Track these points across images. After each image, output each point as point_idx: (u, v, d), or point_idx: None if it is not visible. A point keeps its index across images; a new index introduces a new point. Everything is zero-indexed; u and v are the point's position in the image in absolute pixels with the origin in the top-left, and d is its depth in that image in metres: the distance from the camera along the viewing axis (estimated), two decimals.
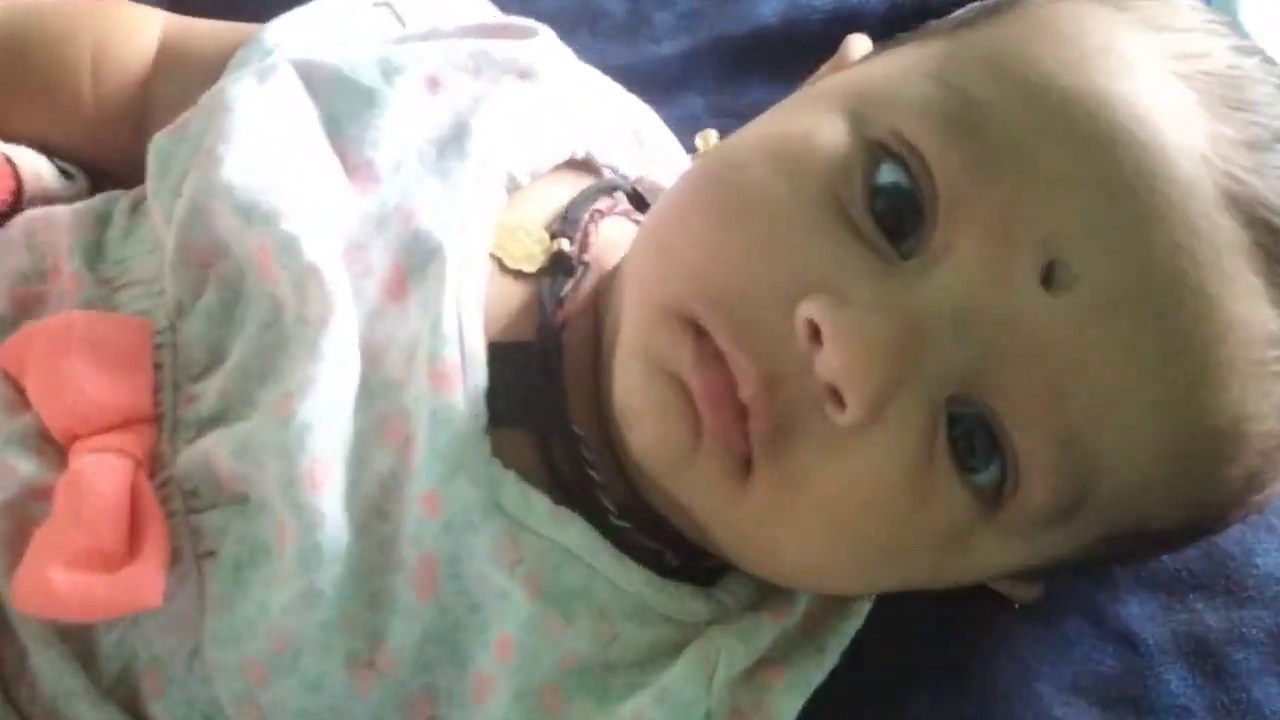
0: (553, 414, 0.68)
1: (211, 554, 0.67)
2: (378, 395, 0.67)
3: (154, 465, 0.68)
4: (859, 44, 0.74)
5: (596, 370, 0.70)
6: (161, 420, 0.69)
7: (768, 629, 0.69)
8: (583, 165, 0.78)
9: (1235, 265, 0.58)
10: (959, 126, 0.59)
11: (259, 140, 0.69)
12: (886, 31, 0.74)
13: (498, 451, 0.66)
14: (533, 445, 0.68)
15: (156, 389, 0.69)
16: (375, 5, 0.79)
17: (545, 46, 0.80)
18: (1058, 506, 0.61)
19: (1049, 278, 0.57)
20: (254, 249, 0.68)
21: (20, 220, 0.76)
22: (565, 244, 0.72)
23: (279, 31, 0.76)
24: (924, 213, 0.60)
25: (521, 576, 0.65)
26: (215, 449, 0.66)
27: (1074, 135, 0.58)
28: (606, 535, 0.67)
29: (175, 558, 0.66)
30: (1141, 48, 0.61)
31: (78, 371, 0.68)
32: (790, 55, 0.89)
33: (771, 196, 0.62)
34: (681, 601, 0.69)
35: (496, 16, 0.83)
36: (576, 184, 0.77)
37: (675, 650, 0.68)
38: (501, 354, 0.68)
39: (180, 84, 0.78)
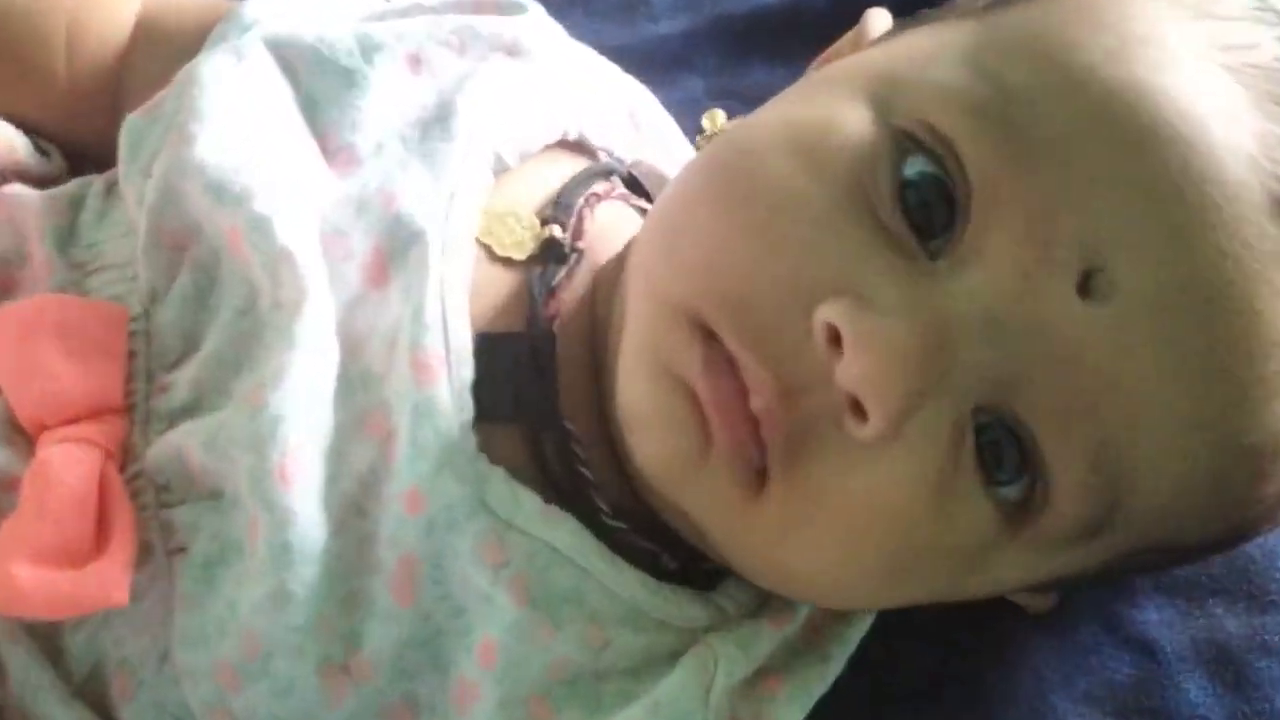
0: (543, 408, 0.67)
1: (182, 550, 0.66)
2: (357, 387, 0.66)
3: (125, 457, 0.67)
4: (879, 20, 0.72)
5: (595, 364, 0.69)
6: (133, 411, 0.68)
7: (769, 637, 0.68)
8: (576, 147, 0.77)
9: None
10: (993, 117, 0.57)
11: (233, 119, 0.69)
12: (903, 8, 0.72)
13: (485, 447, 0.65)
14: (522, 441, 0.67)
15: (129, 378, 0.69)
16: None
17: (534, 22, 0.79)
18: (1086, 523, 0.59)
19: (1086, 286, 0.55)
20: (225, 230, 0.67)
21: None
22: (557, 230, 0.71)
23: (258, 7, 0.74)
24: (955, 210, 0.58)
25: (507, 579, 0.64)
26: (186, 441, 0.66)
27: (1115, 132, 0.56)
28: (600, 536, 0.66)
29: (146, 554, 0.66)
30: (1186, 37, 0.59)
31: (47, 358, 0.67)
32: (794, 35, 0.91)
33: (790, 189, 0.60)
34: (678, 606, 0.68)
35: None
36: (570, 167, 0.75)
37: (671, 658, 0.67)
38: (489, 345, 0.67)
39: (158, 60, 0.78)
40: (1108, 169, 0.55)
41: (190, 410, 0.67)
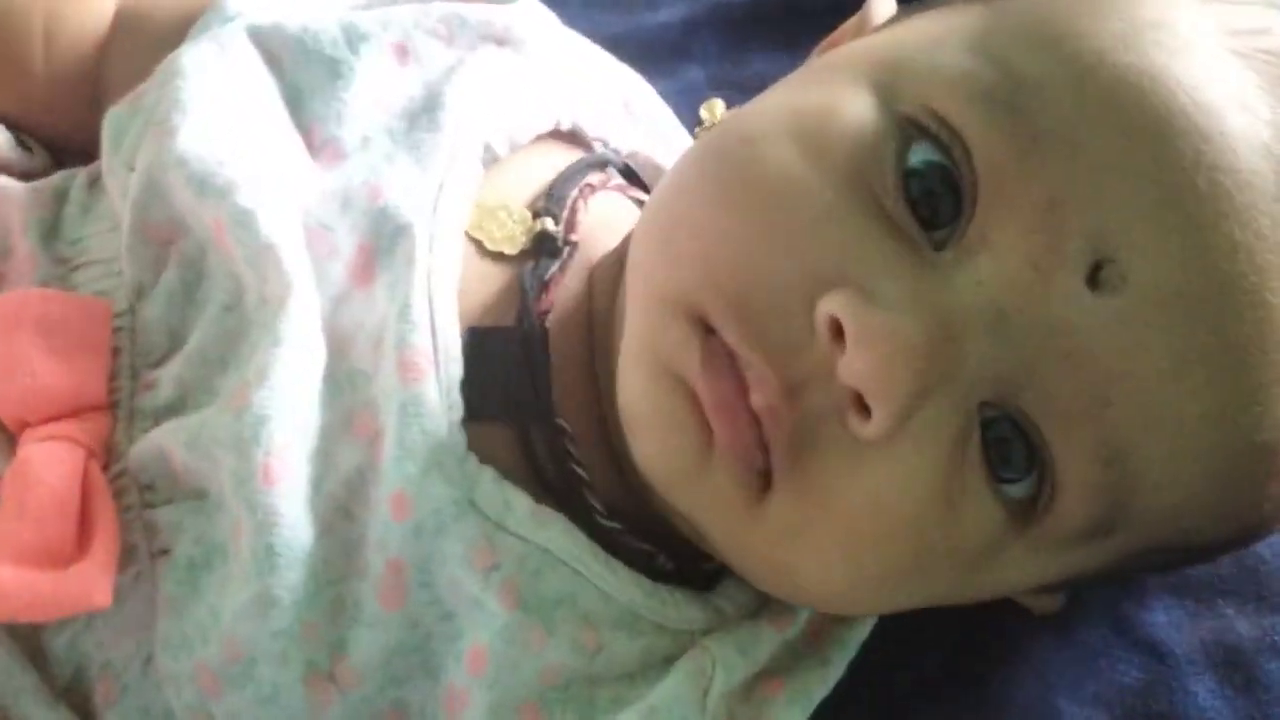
0: (535, 406, 0.66)
1: (166, 552, 0.66)
2: (344, 387, 0.65)
3: (108, 456, 0.67)
4: (883, 5, 0.71)
5: (592, 361, 0.69)
6: (117, 408, 0.68)
7: (768, 639, 0.68)
8: (570, 138, 0.76)
9: None
10: (1001, 104, 0.56)
11: (216, 111, 0.69)
12: None
13: (474, 447, 0.64)
14: (513, 440, 0.66)
15: (112, 375, 0.69)
16: None
17: (526, 10, 0.78)
18: (1095, 522, 0.59)
19: (1096, 278, 0.55)
20: (209, 223, 0.67)
21: None
22: (550, 223, 0.70)
23: None
24: (961, 199, 0.57)
25: (497, 583, 0.64)
26: (169, 440, 0.65)
27: (1126, 121, 0.55)
28: (594, 537, 0.66)
29: (129, 556, 0.66)
30: (1197, 22, 0.58)
31: (29, 353, 0.67)
32: (795, 23, 0.92)
33: (791, 178, 0.59)
34: (676, 609, 0.67)
35: None
36: (563, 158, 0.75)
37: (667, 662, 0.66)
38: (478, 340, 0.66)
39: (139, 50, 0.77)
40: (1118, 158, 0.55)
41: (175, 408, 0.67)
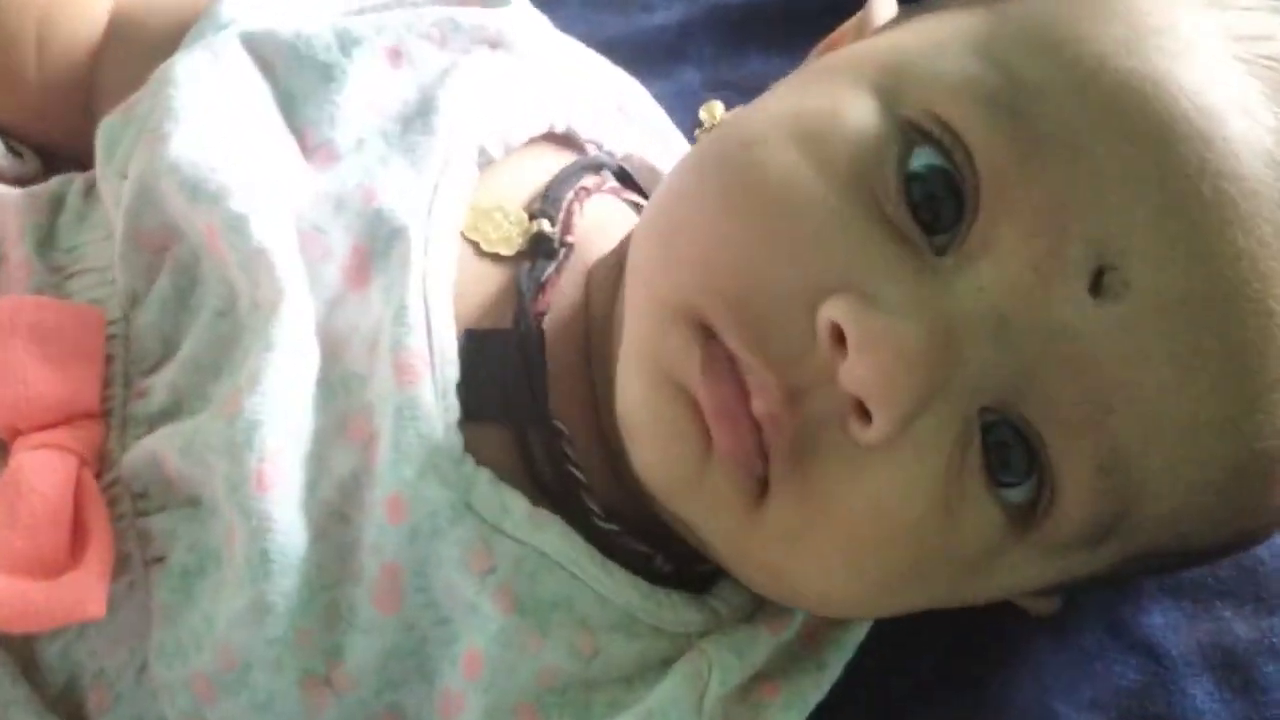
0: (532, 407, 0.67)
1: (160, 560, 0.66)
2: (338, 390, 0.66)
3: (101, 464, 0.68)
4: (884, 6, 0.71)
5: (589, 363, 0.69)
6: (110, 416, 0.69)
7: (764, 642, 0.68)
8: (564, 140, 0.77)
9: None
10: (1004, 109, 0.57)
11: (209, 117, 0.69)
12: None
13: (470, 449, 0.65)
14: (510, 442, 0.67)
15: (106, 382, 0.69)
16: None
17: (518, 14, 0.79)
18: (1094, 528, 0.59)
19: (1098, 285, 0.55)
20: (202, 229, 0.67)
21: None
22: (546, 225, 0.70)
23: (235, 5, 0.74)
24: (963, 203, 0.57)
25: (493, 587, 0.64)
26: (162, 447, 0.66)
27: (1129, 126, 0.55)
28: (591, 539, 0.66)
29: (123, 564, 0.66)
30: (1201, 27, 0.59)
31: (21, 361, 0.67)
32: (792, 24, 0.92)
33: (793, 183, 0.59)
34: (672, 611, 0.68)
35: None
36: (558, 160, 0.75)
37: (664, 665, 0.67)
38: (474, 343, 0.67)
39: (132, 58, 0.78)
40: (1120, 164, 0.55)
41: (169, 415, 0.68)
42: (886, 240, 0.57)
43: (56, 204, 0.75)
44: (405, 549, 0.64)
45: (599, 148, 0.78)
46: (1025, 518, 0.59)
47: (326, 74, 0.71)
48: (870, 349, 0.55)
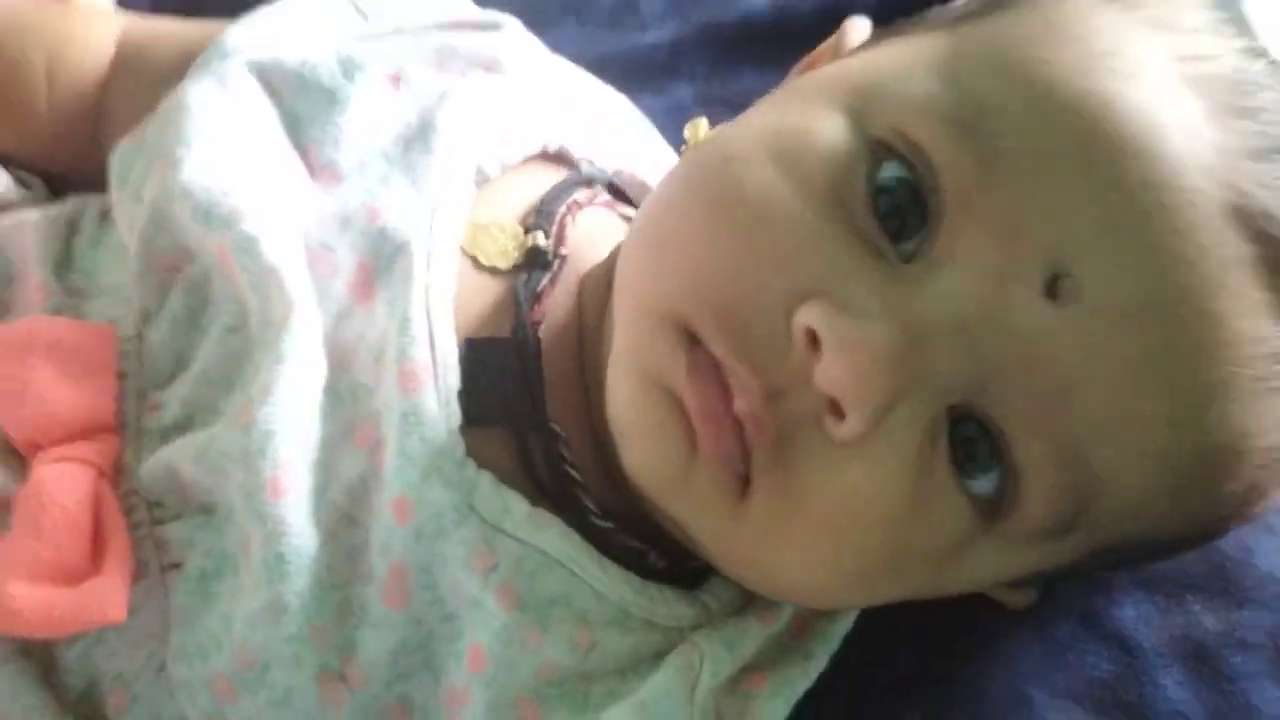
0: (528, 411, 0.68)
1: (177, 566, 0.68)
2: (346, 400, 0.67)
3: (118, 476, 0.69)
4: (858, 28, 0.73)
5: (582, 368, 0.70)
6: (125, 429, 0.70)
7: (754, 634, 0.69)
8: (557, 158, 0.78)
9: (1240, 281, 0.57)
10: (965, 127, 0.59)
11: (218, 143, 0.70)
12: (883, 18, 0.73)
13: (472, 453, 0.66)
14: (510, 445, 0.68)
15: (120, 397, 0.70)
16: (337, 1, 0.80)
17: (511, 38, 0.80)
18: (1057, 519, 0.61)
19: (1053, 290, 0.57)
20: (214, 250, 0.68)
21: None
22: (540, 238, 0.72)
23: (240, 34, 0.76)
24: (928, 214, 0.59)
25: (496, 584, 0.65)
26: (178, 457, 0.67)
27: (1080, 143, 0.57)
28: (588, 536, 0.67)
29: (141, 571, 0.67)
30: (1149, 50, 0.60)
31: (39, 379, 0.69)
32: (781, 43, 0.90)
33: (770, 196, 0.61)
34: (665, 605, 0.69)
35: (463, 11, 0.83)
36: (551, 177, 0.76)
37: (657, 658, 0.68)
38: (474, 351, 0.68)
39: (139, 87, 0.79)
40: (1073, 178, 0.57)
41: (182, 427, 0.69)
42: (857, 250, 0.59)
43: (72, 227, 0.77)
44: (412, 549, 0.65)
45: (591, 164, 0.78)
46: (992, 509, 0.61)
47: (330, 98, 0.72)
48: (842, 351, 0.57)
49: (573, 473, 0.68)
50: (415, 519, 0.65)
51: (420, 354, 0.66)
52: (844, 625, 0.71)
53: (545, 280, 0.71)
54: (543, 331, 0.70)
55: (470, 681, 0.66)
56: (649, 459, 0.63)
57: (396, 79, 0.74)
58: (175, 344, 0.71)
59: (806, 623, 0.71)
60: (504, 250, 0.72)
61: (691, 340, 0.61)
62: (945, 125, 0.59)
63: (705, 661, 0.67)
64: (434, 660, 0.67)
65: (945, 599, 0.69)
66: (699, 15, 1.05)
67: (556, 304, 0.71)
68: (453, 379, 0.66)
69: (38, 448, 0.68)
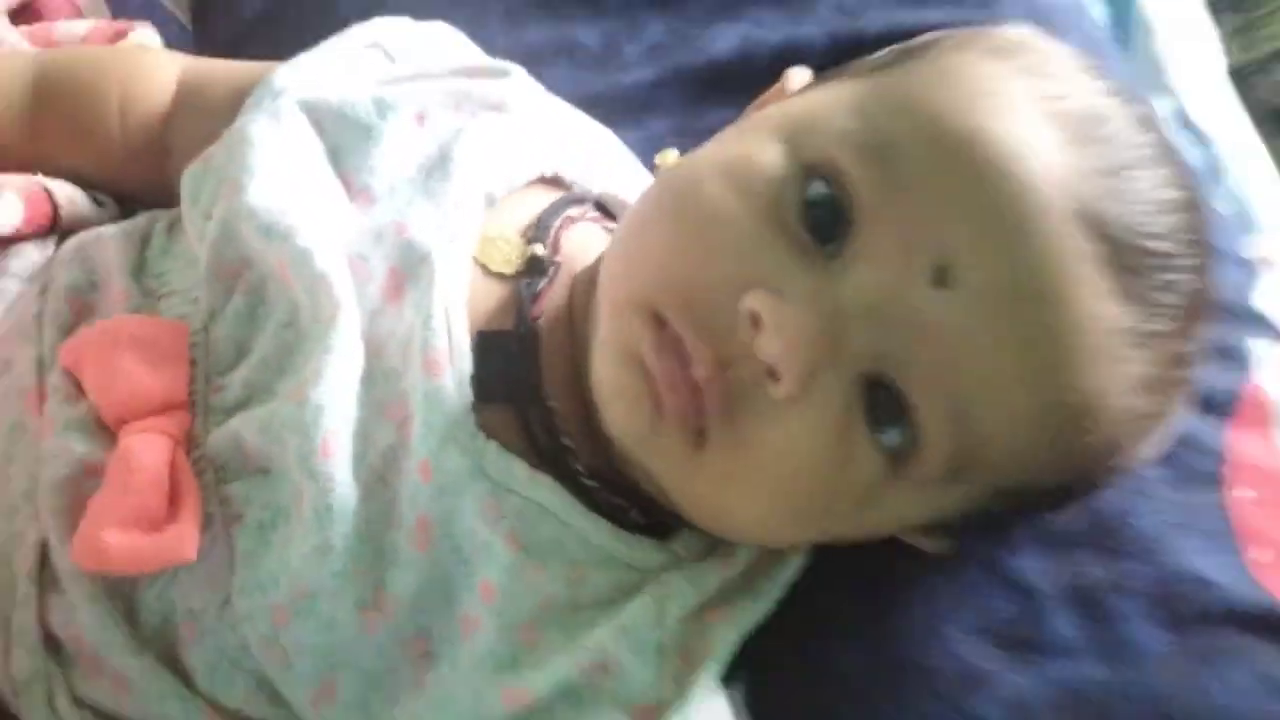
0: (530, 390, 0.73)
1: (239, 518, 0.72)
2: (379, 382, 0.72)
3: (190, 444, 0.73)
4: (798, 76, 0.79)
5: (574, 354, 0.74)
6: (195, 406, 0.75)
7: (714, 575, 0.75)
8: (553, 182, 0.83)
9: (1086, 271, 0.64)
10: (874, 154, 0.65)
11: (276, 171, 0.75)
12: (827, 61, 0.80)
13: (482, 425, 0.71)
14: (513, 419, 0.73)
15: (191, 380, 0.75)
16: (368, 47, 0.85)
17: (517, 84, 0.85)
18: (950, 466, 0.66)
19: (941, 279, 0.64)
20: (274, 262, 0.73)
21: (72, 241, 0.83)
22: (539, 248, 0.77)
23: (286, 75, 0.81)
24: (846, 222, 0.66)
25: (503, 531, 0.71)
26: (243, 428, 0.72)
27: (961, 166, 0.64)
28: (578, 495, 0.73)
29: (207, 522, 0.72)
30: (1019, 91, 0.67)
31: (125, 366, 0.73)
32: (743, 83, 0.88)
33: (723, 208, 0.68)
34: (642, 551, 0.75)
35: (476, 59, 0.89)
36: (548, 197, 0.82)
37: (634, 591, 0.73)
38: (484, 342, 0.73)
39: (197, 120, 0.84)
40: (956, 193, 0.64)
41: (242, 405, 0.74)
42: (790, 250, 0.66)
43: (145, 239, 0.81)
44: (434, 503, 0.70)
45: (581, 186, 0.84)
46: (900, 458, 0.66)
47: (367, 133, 0.77)
48: (778, 329, 0.64)
49: (566, 441, 0.73)
50: (436, 478, 0.70)
51: (440, 344, 0.71)
52: (790, 571, 0.76)
53: (543, 283, 0.76)
54: (541, 324, 0.75)
55: (482, 611, 0.71)
56: (624, 418, 0.69)
57: (421, 118, 0.79)
58: (237, 336, 0.75)
59: (759, 568, 0.76)
60: (509, 259, 0.77)
61: (658, 322, 0.67)
62: (859, 152, 0.66)
63: (674, 595, 0.73)
64: (451, 594, 0.71)
65: (873, 548, 0.74)
66: (673, 60, 1.07)
67: (552, 302, 0.76)
68: (466, 365, 0.72)
69: (123, 422, 0.73)
